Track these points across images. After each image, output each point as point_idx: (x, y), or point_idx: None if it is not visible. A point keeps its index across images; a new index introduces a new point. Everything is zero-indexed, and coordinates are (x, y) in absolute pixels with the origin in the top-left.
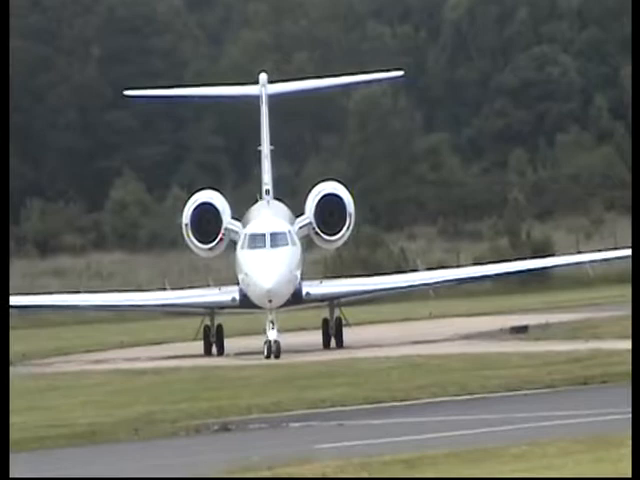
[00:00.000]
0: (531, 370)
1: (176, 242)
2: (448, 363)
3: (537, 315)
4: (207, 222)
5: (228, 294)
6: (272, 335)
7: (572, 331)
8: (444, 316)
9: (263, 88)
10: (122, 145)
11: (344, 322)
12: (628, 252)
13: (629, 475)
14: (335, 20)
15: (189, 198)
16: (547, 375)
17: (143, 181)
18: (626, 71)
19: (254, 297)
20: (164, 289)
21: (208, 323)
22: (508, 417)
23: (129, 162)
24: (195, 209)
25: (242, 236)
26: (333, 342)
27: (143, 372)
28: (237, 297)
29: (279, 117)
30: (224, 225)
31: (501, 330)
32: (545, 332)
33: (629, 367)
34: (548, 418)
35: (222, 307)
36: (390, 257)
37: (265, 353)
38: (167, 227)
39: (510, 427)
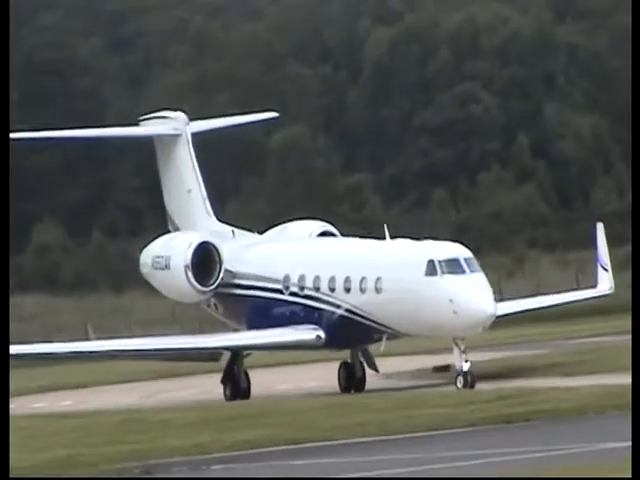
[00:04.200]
0: (454, 409)
1: (97, 285)
2: (371, 403)
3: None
4: (206, 263)
5: (309, 332)
6: (466, 366)
7: (494, 370)
8: None
9: (187, 127)
10: (43, 188)
11: (365, 366)
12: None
13: None
14: (255, 60)
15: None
16: (470, 414)
17: (65, 224)
18: (548, 108)
19: (463, 324)
20: (86, 334)
21: (235, 367)
22: (430, 457)
23: (50, 205)
24: (196, 249)
25: (421, 262)
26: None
27: (64, 415)
28: (322, 335)
29: (199, 158)
30: (224, 266)
31: (424, 370)
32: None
33: (552, 405)
34: (471, 457)
35: (301, 347)
36: None
37: (461, 384)
38: (90, 270)
39: (432, 466)
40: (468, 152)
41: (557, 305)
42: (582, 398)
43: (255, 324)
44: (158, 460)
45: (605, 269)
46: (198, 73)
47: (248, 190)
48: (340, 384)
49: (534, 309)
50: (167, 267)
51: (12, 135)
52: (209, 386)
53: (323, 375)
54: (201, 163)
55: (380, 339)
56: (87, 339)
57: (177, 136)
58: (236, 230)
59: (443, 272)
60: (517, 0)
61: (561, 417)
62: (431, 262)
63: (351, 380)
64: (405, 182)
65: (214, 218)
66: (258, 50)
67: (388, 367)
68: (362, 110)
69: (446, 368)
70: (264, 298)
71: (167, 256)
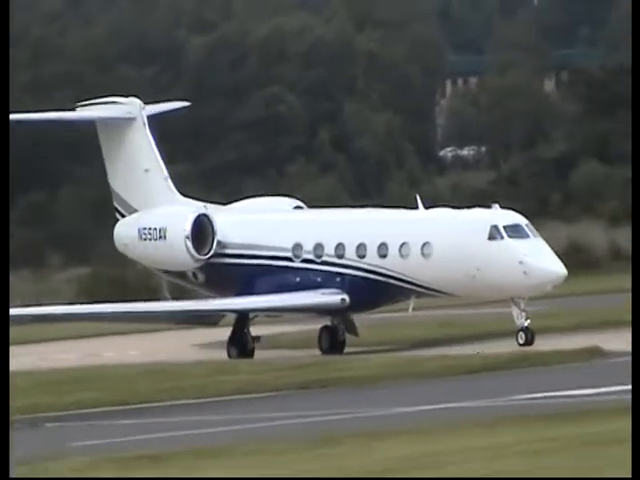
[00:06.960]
0: (260, 375)
1: None
2: (189, 370)
3: (271, 326)
4: (202, 233)
5: (333, 295)
6: (527, 323)
7: (300, 341)
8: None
9: (143, 111)
10: None
11: (341, 330)
12: None
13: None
14: (89, 63)
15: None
16: (274, 380)
17: None
18: (348, 108)
19: (533, 284)
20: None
21: (244, 330)
22: (240, 417)
23: None
24: (195, 220)
25: (483, 227)
26: None
27: None
28: (347, 298)
29: (30, 147)
30: (217, 237)
31: None
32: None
33: (345, 373)
34: (275, 419)
35: (325, 310)
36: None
37: (522, 340)
38: None
39: (242, 427)
40: (277, 147)
41: None
42: (375, 368)
43: (249, 292)
44: None
45: None
46: (36, 74)
47: (80, 179)
48: (320, 347)
49: None
50: (162, 237)
51: None
52: (49, 353)
53: (145, 345)
54: (35, 153)
55: (401, 300)
56: None
57: (131, 120)
58: (208, 204)
59: (509, 236)
60: (321, 10)
61: (356, 384)
62: (495, 227)
63: (333, 342)
64: (221, 173)
65: (178, 195)
66: (92, 54)
67: (206, 337)
68: (183, 109)
69: (257, 339)
70: (261, 266)
71: (163, 227)
